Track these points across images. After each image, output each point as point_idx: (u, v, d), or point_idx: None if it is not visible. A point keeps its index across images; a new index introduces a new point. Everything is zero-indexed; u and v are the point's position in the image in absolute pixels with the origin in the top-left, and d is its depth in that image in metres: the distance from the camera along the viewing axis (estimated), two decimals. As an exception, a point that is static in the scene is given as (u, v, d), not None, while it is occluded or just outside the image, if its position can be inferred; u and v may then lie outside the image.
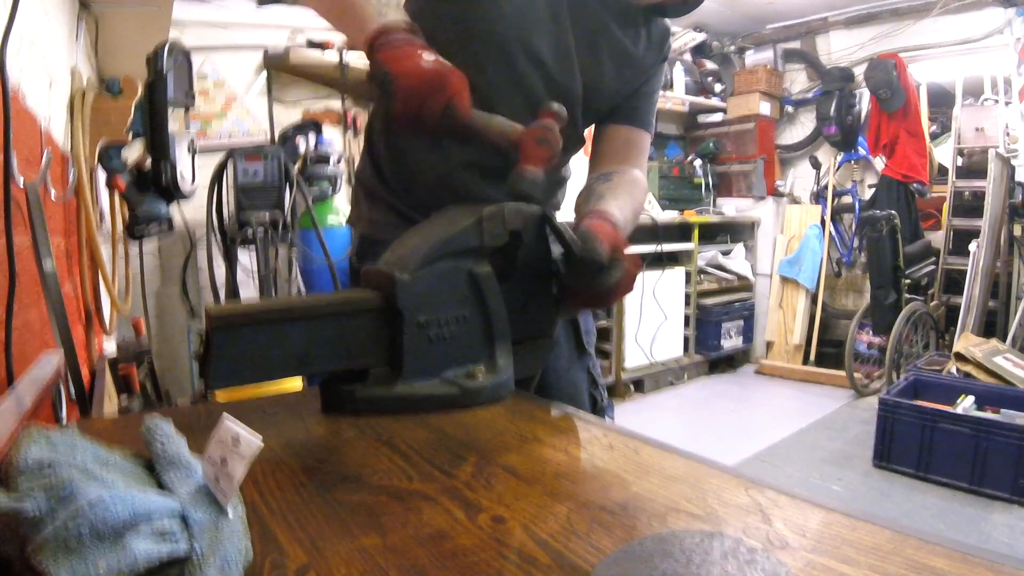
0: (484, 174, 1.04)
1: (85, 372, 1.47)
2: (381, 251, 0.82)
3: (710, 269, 4.87)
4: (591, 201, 0.97)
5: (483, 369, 0.79)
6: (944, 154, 4.37)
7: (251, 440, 0.41)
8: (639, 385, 4.34)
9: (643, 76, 1.11)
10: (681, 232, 4.56)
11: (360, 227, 1.15)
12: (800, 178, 5.13)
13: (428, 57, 0.79)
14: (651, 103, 1.15)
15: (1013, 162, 3.82)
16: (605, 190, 1.02)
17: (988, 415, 2.82)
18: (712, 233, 4.94)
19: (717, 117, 5.21)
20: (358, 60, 3.48)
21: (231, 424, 0.42)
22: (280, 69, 3.50)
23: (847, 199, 4.84)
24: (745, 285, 5.05)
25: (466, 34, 0.98)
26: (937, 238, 4.36)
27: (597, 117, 1.12)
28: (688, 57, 5.07)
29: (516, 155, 0.83)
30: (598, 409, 1.21)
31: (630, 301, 4.19)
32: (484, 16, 0.97)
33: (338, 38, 3.58)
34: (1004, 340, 3.56)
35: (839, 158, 4.81)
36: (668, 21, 1.12)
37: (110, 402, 1.53)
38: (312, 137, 3.30)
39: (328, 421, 0.75)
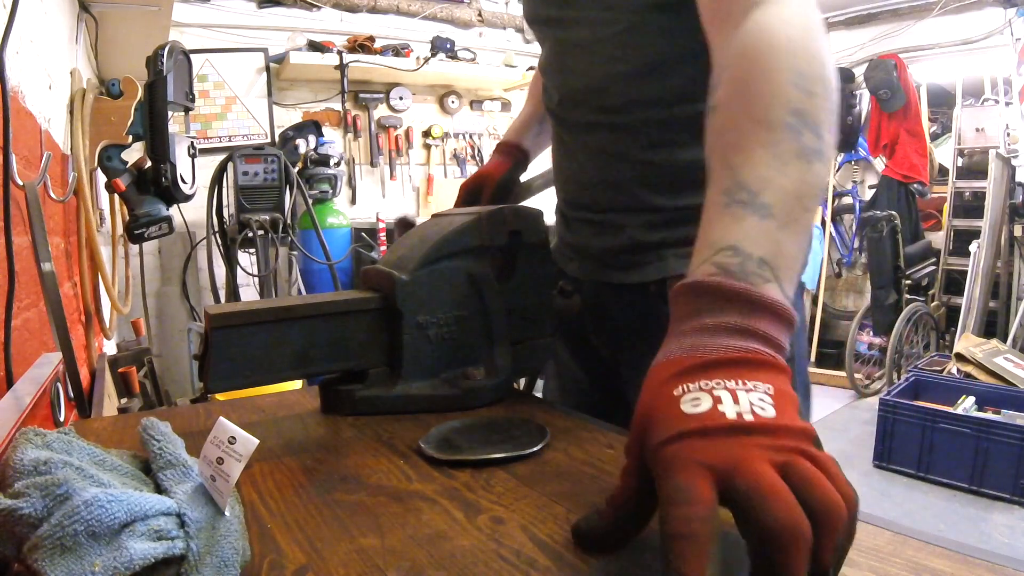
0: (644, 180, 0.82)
1: (85, 373, 1.47)
2: None
3: (710, 270, 4.85)
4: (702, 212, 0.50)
5: (482, 370, 0.78)
6: (944, 154, 4.36)
7: (247, 439, 0.41)
8: (639, 386, 4.32)
9: None
10: (681, 233, 4.55)
11: None
12: (800, 179, 5.12)
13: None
14: None
15: (1013, 162, 3.82)
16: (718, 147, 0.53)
17: (989, 416, 2.82)
18: (712, 234, 4.93)
19: (717, 118, 5.20)
20: (357, 62, 3.48)
21: (227, 424, 0.42)
22: (280, 70, 3.50)
23: (847, 200, 4.83)
24: (745, 286, 5.03)
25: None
26: (937, 238, 4.35)
27: None
28: (688, 58, 5.06)
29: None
30: None
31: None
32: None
33: (338, 40, 3.59)
34: (1005, 340, 3.56)
35: (839, 159, 4.81)
36: None
37: (110, 403, 1.53)
38: (312, 138, 3.30)
39: (327, 421, 0.75)
